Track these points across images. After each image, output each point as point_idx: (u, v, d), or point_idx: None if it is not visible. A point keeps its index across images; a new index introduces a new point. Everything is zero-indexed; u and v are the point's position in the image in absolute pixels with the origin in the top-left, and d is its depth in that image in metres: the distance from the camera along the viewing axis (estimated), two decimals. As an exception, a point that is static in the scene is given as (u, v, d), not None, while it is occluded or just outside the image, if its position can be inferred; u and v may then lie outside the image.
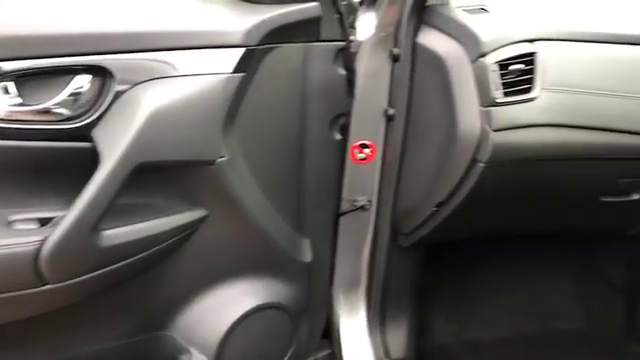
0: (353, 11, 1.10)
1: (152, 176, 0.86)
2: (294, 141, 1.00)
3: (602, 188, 1.13)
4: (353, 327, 1.20)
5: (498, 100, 0.96)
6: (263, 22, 0.89)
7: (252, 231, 0.97)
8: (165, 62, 0.85)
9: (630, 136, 1.03)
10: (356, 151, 1.14)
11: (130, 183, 0.81)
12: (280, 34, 0.92)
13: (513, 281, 1.47)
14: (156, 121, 0.82)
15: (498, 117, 0.96)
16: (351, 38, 1.10)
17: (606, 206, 1.16)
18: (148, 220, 0.88)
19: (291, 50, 0.95)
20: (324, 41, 0.98)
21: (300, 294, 1.10)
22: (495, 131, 0.96)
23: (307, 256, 1.09)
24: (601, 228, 1.31)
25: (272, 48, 0.92)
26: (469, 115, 0.97)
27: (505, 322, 1.46)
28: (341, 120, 1.08)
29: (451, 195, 1.05)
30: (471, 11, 1.05)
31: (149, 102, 0.82)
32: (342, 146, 1.09)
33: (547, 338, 1.44)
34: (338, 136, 1.07)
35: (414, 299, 1.30)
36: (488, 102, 0.96)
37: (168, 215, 0.90)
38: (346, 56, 1.03)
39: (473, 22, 1.01)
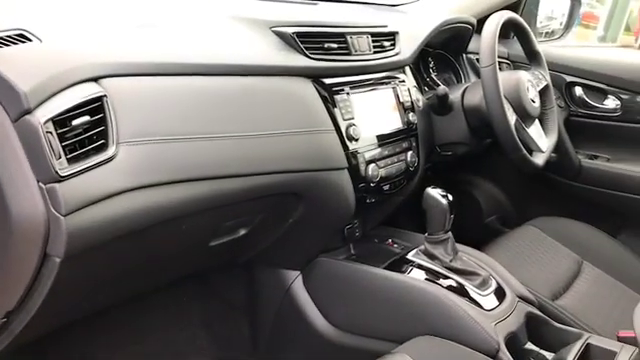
0: None
1: None
2: None
3: (210, 235, 1.02)
4: None
5: (62, 172, 0.69)
6: None
7: None
8: None
9: (229, 180, 0.92)
10: None
11: None
12: None
13: (144, 336, 1.28)
14: None
15: (67, 195, 0.69)
16: None
17: (216, 247, 1.07)
18: None
19: None
20: None
21: None
22: (67, 215, 0.70)
23: None
24: (213, 265, 1.22)
25: None
26: (24, 197, 0.68)
27: None
28: None
29: (23, 301, 0.75)
30: (4, 41, 0.74)
31: None
32: None
33: None
34: None
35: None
36: (49, 177, 0.68)
37: None
38: None
39: (6, 59, 0.71)
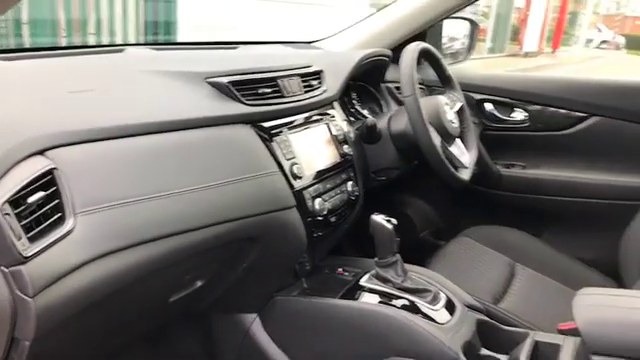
0: None
1: None
2: None
3: (170, 292, 1.01)
4: None
5: (26, 253, 0.68)
6: None
7: None
8: None
9: (187, 235, 0.92)
10: None
11: None
12: None
13: None
14: None
15: (33, 275, 0.68)
16: None
17: (175, 303, 1.06)
18: None
19: None
20: None
21: None
22: (35, 295, 0.68)
23: None
24: (172, 319, 1.21)
25: None
26: None
27: None
28: None
29: None
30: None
31: None
32: None
33: None
34: None
35: None
36: (12, 260, 0.67)
37: None
38: None
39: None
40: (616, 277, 1.52)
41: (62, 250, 0.72)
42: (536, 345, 1.18)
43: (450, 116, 1.50)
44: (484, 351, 1.20)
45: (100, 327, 0.88)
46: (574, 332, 1.19)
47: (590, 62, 16.17)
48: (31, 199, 0.70)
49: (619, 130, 1.76)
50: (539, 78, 1.94)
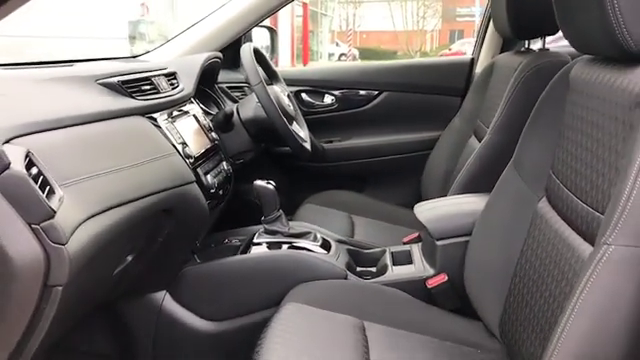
0: None
1: None
2: None
3: (115, 264, 1.13)
4: None
5: (54, 206, 0.79)
6: None
7: None
8: None
9: (136, 203, 1.06)
10: None
11: None
12: None
13: None
14: None
15: (63, 225, 0.80)
16: None
17: (114, 277, 1.17)
18: None
19: None
20: None
21: None
22: (67, 242, 0.80)
23: None
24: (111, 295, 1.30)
25: None
26: (15, 241, 0.76)
27: None
28: None
29: (28, 333, 0.81)
30: None
31: None
32: None
33: None
34: None
35: None
36: (42, 215, 0.77)
37: None
38: None
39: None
40: None
41: (66, 210, 0.84)
42: (392, 255, 1.56)
43: (287, 101, 1.83)
44: (359, 268, 1.54)
45: (87, 285, 0.99)
46: (414, 241, 1.61)
47: (336, 73, 18.30)
48: (33, 170, 0.81)
49: (403, 100, 2.30)
50: (338, 67, 2.40)
